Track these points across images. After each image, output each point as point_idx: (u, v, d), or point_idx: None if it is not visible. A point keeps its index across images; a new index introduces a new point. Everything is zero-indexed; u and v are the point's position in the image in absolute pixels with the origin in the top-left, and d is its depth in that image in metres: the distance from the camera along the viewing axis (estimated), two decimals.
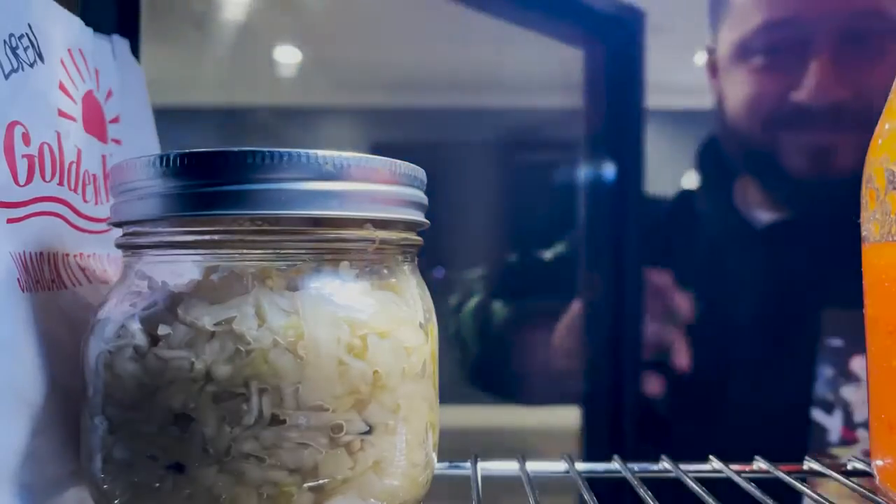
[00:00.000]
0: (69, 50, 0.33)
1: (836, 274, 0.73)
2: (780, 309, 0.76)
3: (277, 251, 0.27)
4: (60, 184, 0.31)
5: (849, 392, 0.70)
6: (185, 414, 0.25)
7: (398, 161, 0.29)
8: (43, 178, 0.30)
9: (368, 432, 0.27)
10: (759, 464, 0.38)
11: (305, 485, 0.26)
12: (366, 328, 0.27)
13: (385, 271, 0.29)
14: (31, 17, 0.30)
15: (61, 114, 0.32)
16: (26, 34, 0.30)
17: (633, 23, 0.89)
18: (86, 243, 0.33)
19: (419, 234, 0.31)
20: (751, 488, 0.33)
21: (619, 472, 0.37)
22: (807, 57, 0.74)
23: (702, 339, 0.78)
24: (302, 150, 0.26)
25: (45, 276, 0.30)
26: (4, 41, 0.28)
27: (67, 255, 0.32)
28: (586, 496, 0.32)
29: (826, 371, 0.70)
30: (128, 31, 0.44)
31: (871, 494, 0.33)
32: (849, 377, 0.70)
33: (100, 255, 0.34)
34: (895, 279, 0.31)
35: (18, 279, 0.28)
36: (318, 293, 0.27)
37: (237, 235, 0.27)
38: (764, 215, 0.78)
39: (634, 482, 0.34)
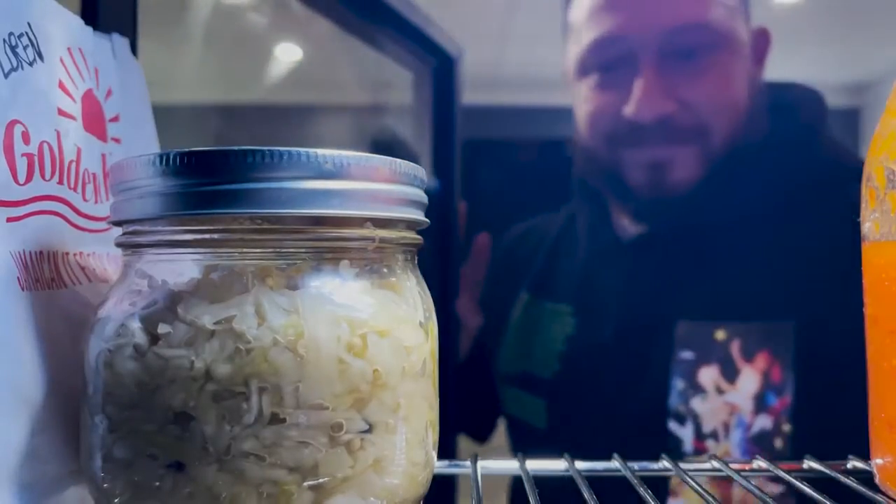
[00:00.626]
0: (69, 49, 0.33)
1: (687, 287, 0.74)
2: (641, 322, 0.76)
3: (277, 250, 0.27)
4: (60, 182, 0.31)
5: (697, 403, 0.71)
6: (185, 413, 0.25)
7: (398, 160, 0.29)
8: (42, 176, 0.30)
9: (368, 431, 0.27)
10: (759, 462, 0.38)
11: (305, 483, 0.26)
12: (366, 327, 0.27)
13: (385, 270, 0.29)
14: (31, 16, 0.30)
15: (61, 112, 0.32)
16: (26, 33, 0.30)
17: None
18: (86, 242, 0.33)
19: (419, 232, 0.31)
20: (751, 487, 0.34)
21: (619, 470, 0.37)
22: (634, 73, 0.74)
23: (574, 351, 0.78)
24: (302, 149, 0.26)
25: (44, 274, 0.30)
26: (4, 40, 0.28)
27: (67, 253, 0.32)
28: (586, 495, 0.32)
29: (678, 383, 0.72)
30: (127, 29, 0.44)
31: (870, 493, 0.33)
32: (697, 389, 0.72)
33: (100, 253, 0.34)
34: (895, 278, 0.31)
35: (18, 278, 0.28)
36: (318, 292, 0.27)
37: (237, 234, 0.27)
38: (630, 228, 0.79)
39: (634, 481, 0.34)
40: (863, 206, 0.33)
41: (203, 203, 0.26)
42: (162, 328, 0.26)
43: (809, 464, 0.37)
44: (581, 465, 0.37)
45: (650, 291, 0.76)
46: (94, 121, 0.35)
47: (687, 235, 0.75)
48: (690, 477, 0.35)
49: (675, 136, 0.75)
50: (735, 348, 0.70)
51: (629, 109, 0.75)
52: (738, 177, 0.75)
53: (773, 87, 0.80)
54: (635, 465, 0.37)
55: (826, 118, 0.80)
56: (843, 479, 0.35)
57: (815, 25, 2.22)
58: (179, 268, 0.28)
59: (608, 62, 0.77)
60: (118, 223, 0.29)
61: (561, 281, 0.83)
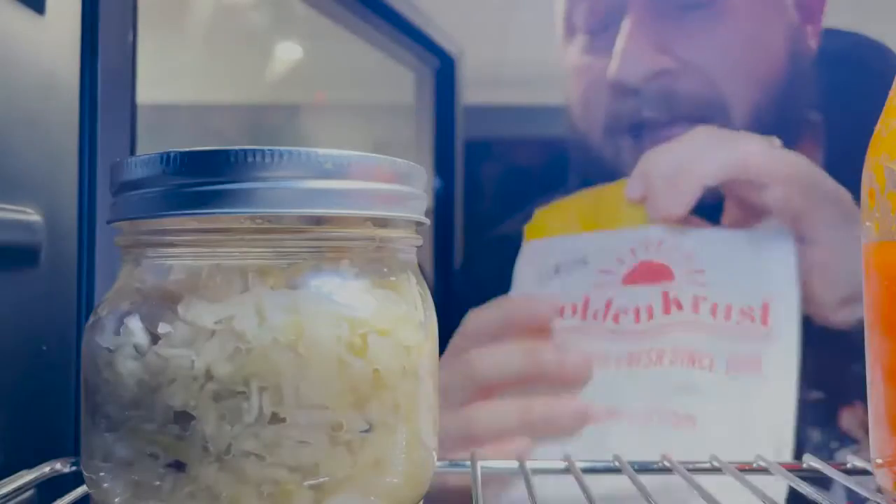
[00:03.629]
0: None
1: None
2: None
3: (278, 249, 0.27)
4: None
5: None
6: (186, 412, 0.25)
7: (398, 159, 0.29)
8: None
9: (368, 430, 0.27)
10: (759, 462, 0.38)
11: (305, 483, 0.26)
12: (366, 326, 0.27)
13: (385, 270, 0.29)
14: None
15: None
16: None
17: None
18: None
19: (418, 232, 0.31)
20: (750, 485, 0.34)
21: (619, 469, 0.37)
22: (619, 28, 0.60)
23: None
24: (302, 149, 0.27)
25: None
26: None
27: None
28: (585, 493, 0.32)
29: None
30: (127, 28, 0.44)
31: (870, 493, 0.33)
32: None
33: None
34: (895, 278, 0.31)
35: None
36: (319, 291, 0.27)
37: (237, 234, 0.27)
38: None
39: (634, 479, 0.34)
40: (863, 205, 0.33)
41: (204, 202, 0.26)
42: (162, 328, 0.26)
43: (809, 463, 0.38)
44: (581, 464, 0.37)
45: None
46: None
47: None
48: (689, 474, 0.35)
49: (681, 111, 0.59)
50: None
51: (612, 68, 0.60)
52: None
53: (836, 37, 0.64)
54: (635, 464, 0.37)
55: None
56: (842, 478, 0.35)
57: None
58: (180, 267, 0.28)
59: (597, 17, 0.63)
60: (118, 222, 0.29)
61: None
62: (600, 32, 0.62)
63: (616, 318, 0.47)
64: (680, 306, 0.46)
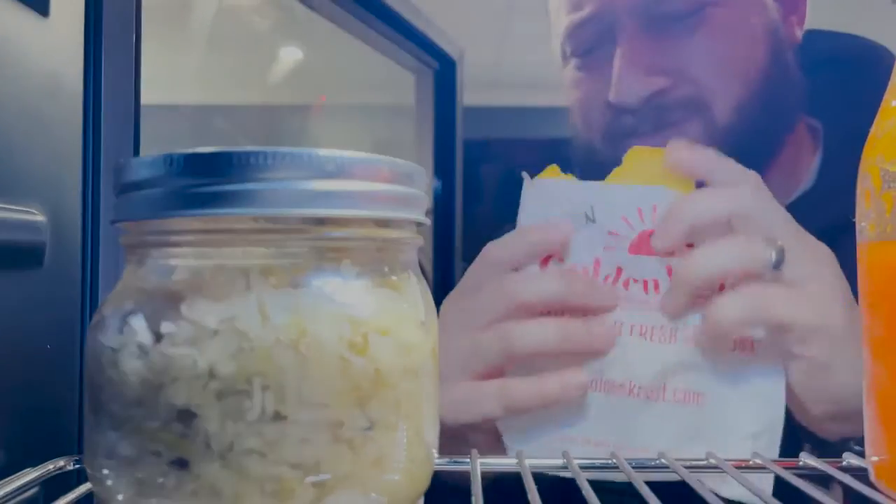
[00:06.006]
0: None
1: None
2: None
3: (280, 249, 0.27)
4: None
5: None
6: (189, 410, 0.26)
7: (399, 160, 0.29)
8: None
9: (370, 428, 0.27)
10: (756, 459, 0.38)
11: (307, 480, 0.26)
12: (367, 326, 0.27)
13: (386, 269, 0.29)
14: None
15: None
16: None
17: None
18: None
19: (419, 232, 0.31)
20: (749, 483, 0.34)
21: (617, 466, 0.37)
22: (613, 50, 0.63)
23: None
24: (304, 150, 0.27)
25: None
26: None
27: None
28: (585, 492, 0.32)
29: None
30: (130, 30, 0.44)
31: (866, 490, 0.33)
32: None
33: None
34: (889, 278, 0.31)
35: None
36: (320, 291, 0.27)
37: (240, 234, 0.27)
38: None
39: (633, 478, 0.34)
40: (858, 206, 0.33)
41: (206, 203, 0.26)
42: (166, 327, 0.26)
43: (805, 461, 0.38)
44: (579, 461, 0.37)
45: None
46: None
47: None
48: (687, 472, 0.35)
49: (667, 117, 0.62)
50: None
51: (611, 93, 0.63)
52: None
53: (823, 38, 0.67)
54: (633, 462, 0.38)
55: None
56: (839, 475, 0.35)
57: None
58: (183, 267, 0.28)
59: (586, 44, 0.66)
60: (122, 222, 0.29)
61: None
62: (589, 55, 0.66)
63: (626, 285, 0.46)
64: None
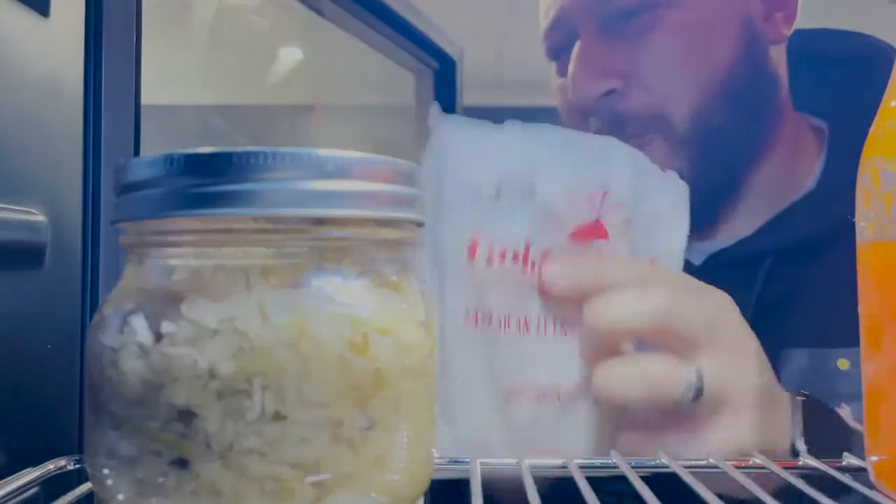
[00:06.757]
0: None
1: None
2: None
3: (280, 249, 0.27)
4: None
5: None
6: (189, 410, 0.26)
7: (399, 160, 0.29)
8: None
9: (370, 428, 0.27)
10: (755, 459, 0.38)
11: (307, 480, 0.26)
12: (367, 325, 0.27)
13: (386, 269, 0.29)
14: None
15: None
16: None
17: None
18: None
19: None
20: (748, 483, 0.34)
21: (617, 466, 0.37)
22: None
23: None
24: (304, 150, 0.27)
25: None
26: None
27: None
28: (584, 492, 0.32)
29: None
30: (131, 30, 0.44)
31: (866, 491, 0.33)
32: None
33: None
34: (888, 278, 0.31)
35: None
36: (320, 291, 0.27)
37: (240, 234, 0.27)
38: None
39: (632, 477, 0.34)
40: (858, 206, 0.34)
41: (206, 203, 0.26)
42: (166, 327, 0.26)
43: (805, 461, 0.38)
44: (579, 461, 0.37)
45: None
46: None
47: None
48: (686, 472, 0.35)
49: (630, 128, 0.59)
50: None
51: (569, 93, 0.62)
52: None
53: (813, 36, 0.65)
54: (632, 461, 0.38)
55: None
56: (838, 476, 0.35)
57: None
58: (183, 267, 0.28)
59: (556, 47, 0.65)
60: (122, 222, 0.29)
61: None
62: (558, 59, 0.65)
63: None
64: None
